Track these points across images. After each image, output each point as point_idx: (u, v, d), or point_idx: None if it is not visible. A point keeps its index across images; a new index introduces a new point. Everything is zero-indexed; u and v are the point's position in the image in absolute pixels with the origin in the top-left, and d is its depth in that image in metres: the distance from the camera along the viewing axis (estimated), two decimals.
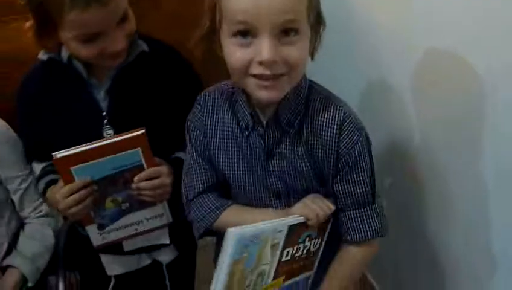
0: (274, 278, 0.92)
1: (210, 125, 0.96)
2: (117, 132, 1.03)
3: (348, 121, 0.88)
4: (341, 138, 0.88)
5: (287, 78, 0.80)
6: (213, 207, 0.96)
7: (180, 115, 1.05)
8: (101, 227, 1.06)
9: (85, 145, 0.94)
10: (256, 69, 0.78)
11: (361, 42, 1.31)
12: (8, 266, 1.16)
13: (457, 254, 1.12)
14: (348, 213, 0.93)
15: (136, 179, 1.00)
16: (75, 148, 0.93)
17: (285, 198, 0.95)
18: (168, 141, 1.11)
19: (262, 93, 0.81)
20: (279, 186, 0.94)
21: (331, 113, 0.88)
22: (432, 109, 1.10)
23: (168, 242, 1.17)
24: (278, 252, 0.89)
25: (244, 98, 0.89)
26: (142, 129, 0.95)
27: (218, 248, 1.03)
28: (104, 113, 1.05)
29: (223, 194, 1.00)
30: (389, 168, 1.27)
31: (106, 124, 1.04)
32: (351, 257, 0.96)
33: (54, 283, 1.23)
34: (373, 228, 0.93)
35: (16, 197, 1.19)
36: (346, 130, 0.88)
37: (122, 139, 0.95)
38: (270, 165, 0.92)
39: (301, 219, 0.89)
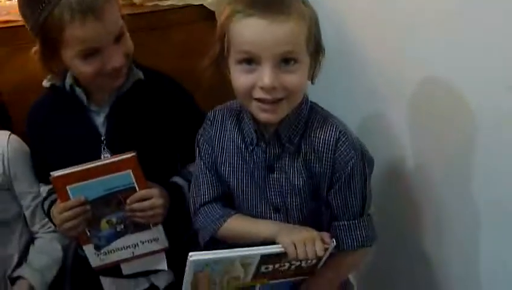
0: (252, 280, 0.96)
1: (218, 140, 1.03)
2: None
3: (343, 139, 0.95)
4: (336, 154, 0.95)
5: (285, 102, 0.88)
6: (218, 216, 1.01)
7: (176, 142, 1.13)
8: (97, 248, 1.10)
9: (81, 166, 1.00)
10: (258, 93, 0.86)
11: (359, 76, 1.37)
12: (18, 277, 1.20)
13: (454, 273, 1.14)
14: (338, 223, 0.99)
15: (128, 200, 1.05)
16: (71, 168, 0.99)
17: (283, 213, 1.00)
18: (164, 166, 1.17)
19: (263, 116, 0.89)
20: (278, 200, 0.99)
21: (328, 131, 0.95)
22: (426, 138, 1.14)
23: (165, 268, 1.19)
24: (253, 268, 0.93)
25: (250, 116, 0.96)
26: (133, 152, 1.00)
27: None
28: (103, 138, 1.11)
29: (228, 205, 1.05)
30: (385, 194, 1.31)
31: (104, 148, 1.11)
32: (339, 262, 1.02)
33: None
34: (360, 239, 0.99)
35: (27, 213, 1.25)
36: (342, 147, 0.94)
37: (114, 161, 1.00)
38: (271, 179, 0.98)
39: (281, 250, 0.91)
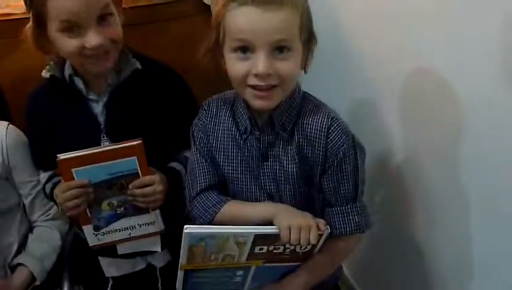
0: (247, 260, 0.98)
1: (212, 128, 1.05)
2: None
3: (335, 125, 0.97)
4: (328, 140, 0.97)
5: (279, 89, 0.91)
6: (214, 202, 1.03)
7: (173, 128, 1.16)
8: (96, 228, 1.13)
9: (87, 150, 1.02)
10: (252, 80, 0.89)
11: (354, 68, 1.38)
12: (18, 265, 1.22)
13: (446, 267, 1.15)
14: (331, 209, 1.02)
15: (130, 186, 1.07)
16: (77, 152, 1.02)
17: (277, 199, 1.03)
18: (161, 152, 1.19)
19: (257, 102, 0.92)
20: (272, 187, 1.02)
21: (320, 118, 0.98)
22: (418, 131, 1.16)
23: (159, 250, 1.23)
24: (247, 248, 0.94)
25: (244, 105, 0.99)
26: (139, 139, 1.02)
27: None
28: (102, 126, 1.14)
29: (223, 192, 1.07)
30: (376, 184, 1.33)
31: (103, 136, 1.13)
32: (332, 248, 1.03)
33: None
34: (353, 224, 1.01)
35: (27, 202, 1.27)
36: (333, 133, 0.97)
37: (120, 147, 1.03)
38: (265, 167, 1.01)
39: (275, 232, 0.92)
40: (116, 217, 1.13)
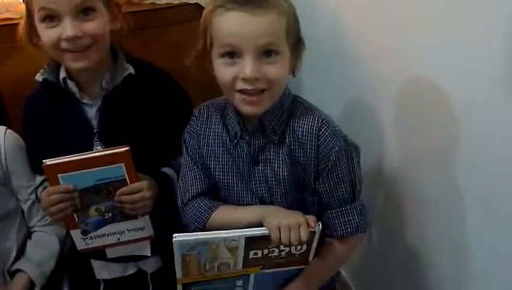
0: (245, 268, 0.97)
1: (203, 134, 1.06)
2: (105, 148, 1.11)
3: (325, 127, 0.98)
4: (319, 142, 0.97)
5: (268, 93, 0.92)
6: (206, 208, 1.04)
7: (167, 134, 1.15)
8: (84, 233, 1.13)
9: (73, 156, 1.02)
10: (240, 85, 0.90)
11: (351, 72, 1.39)
12: (17, 271, 1.21)
13: (442, 268, 1.16)
14: (330, 211, 1.02)
15: (118, 192, 1.07)
16: (63, 158, 1.02)
17: (268, 204, 1.02)
18: (154, 157, 1.19)
19: (246, 108, 0.93)
20: (263, 191, 1.02)
21: (311, 121, 0.98)
22: (414, 134, 1.16)
23: (149, 254, 1.22)
24: (241, 253, 0.94)
25: (233, 110, 0.99)
26: (127, 146, 1.02)
27: None
28: (95, 130, 1.14)
29: (216, 198, 1.07)
30: (373, 186, 1.32)
31: (96, 141, 1.13)
32: (333, 251, 1.04)
33: None
34: (353, 225, 1.01)
35: (25, 207, 1.26)
36: (324, 135, 0.97)
37: (107, 154, 1.02)
38: (256, 171, 1.01)
39: (265, 233, 0.92)
40: (104, 222, 1.12)
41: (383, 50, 1.21)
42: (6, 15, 1.53)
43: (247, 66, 0.88)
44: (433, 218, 1.14)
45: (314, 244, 0.98)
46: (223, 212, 1.03)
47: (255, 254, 0.95)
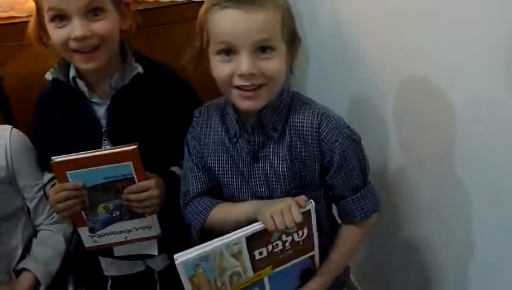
0: (256, 271, 0.95)
1: (204, 135, 1.06)
2: (114, 146, 1.11)
3: (326, 121, 0.98)
4: (321, 137, 0.98)
5: (265, 89, 0.92)
6: (204, 206, 1.05)
7: (176, 133, 1.15)
8: (92, 230, 1.14)
9: (82, 153, 1.02)
10: (237, 81, 0.90)
11: (355, 70, 1.39)
12: (22, 269, 1.22)
13: (447, 266, 1.16)
14: (345, 200, 1.03)
15: (126, 191, 1.07)
16: (72, 155, 1.02)
17: None
18: (163, 156, 1.19)
19: (243, 103, 0.93)
20: (263, 190, 1.02)
21: (310, 116, 0.98)
22: (418, 128, 1.16)
23: (156, 254, 1.23)
24: (246, 256, 0.93)
25: (232, 107, 0.99)
26: (135, 145, 1.02)
27: None
28: (104, 129, 1.14)
29: (218, 197, 1.07)
30: (377, 183, 1.32)
31: (105, 140, 1.14)
32: (352, 236, 1.07)
33: None
34: (369, 207, 1.04)
35: (31, 205, 1.26)
36: (325, 129, 0.97)
37: (116, 152, 1.03)
38: (256, 169, 1.01)
39: (261, 227, 0.92)
40: (112, 220, 1.13)
41: (386, 47, 1.21)
42: (11, 13, 1.54)
43: (243, 62, 0.88)
44: (439, 215, 1.14)
45: (314, 223, 0.97)
46: (220, 210, 1.04)
47: (261, 253, 0.94)
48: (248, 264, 0.94)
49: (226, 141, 1.03)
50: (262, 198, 1.03)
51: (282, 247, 0.96)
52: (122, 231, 1.15)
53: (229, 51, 0.90)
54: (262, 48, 0.89)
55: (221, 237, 0.90)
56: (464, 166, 1.02)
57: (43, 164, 1.22)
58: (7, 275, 1.23)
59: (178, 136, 1.16)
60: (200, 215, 1.05)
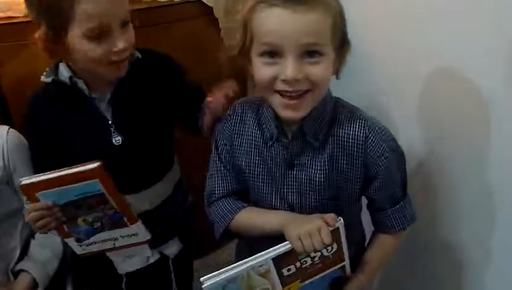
0: (285, 286, 0.92)
1: (237, 134, 1.01)
2: (125, 138, 1.12)
3: (373, 133, 0.93)
4: (368, 150, 0.93)
5: (310, 95, 0.86)
6: (230, 209, 1.01)
7: (182, 107, 1.17)
8: (78, 240, 1.13)
9: (49, 173, 1.00)
10: (280, 86, 0.85)
11: (361, 71, 1.38)
12: (20, 271, 1.21)
13: (457, 265, 1.16)
14: (385, 212, 1.01)
15: None
16: (39, 176, 1.00)
17: (298, 211, 0.99)
18: (171, 136, 1.22)
19: (285, 112, 0.88)
20: (294, 198, 0.98)
21: (357, 127, 0.93)
22: (426, 129, 1.16)
23: (149, 254, 1.23)
24: (274, 274, 0.89)
25: (271, 111, 0.94)
26: (99, 161, 0.99)
27: (238, 249, 1.15)
28: (110, 122, 1.13)
29: (245, 200, 1.04)
30: None
31: (114, 132, 1.13)
32: (386, 247, 1.05)
33: None
34: (408, 218, 1.02)
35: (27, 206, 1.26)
36: (373, 142, 0.93)
37: (80, 171, 0.99)
38: (290, 176, 0.97)
39: (288, 247, 0.88)
40: (94, 231, 1.12)
41: (394, 47, 1.20)
42: (9, 13, 1.52)
43: (288, 67, 0.82)
44: (452, 215, 1.14)
45: (343, 239, 0.92)
46: (247, 216, 1.00)
47: (289, 270, 0.90)
48: (277, 281, 0.91)
49: (261, 144, 0.98)
50: (292, 206, 0.99)
51: (311, 262, 0.92)
52: (109, 239, 1.14)
53: (273, 53, 0.84)
54: (310, 52, 0.83)
55: (248, 259, 0.86)
56: (470, 165, 1.02)
57: (38, 166, 1.20)
58: (5, 276, 1.22)
59: (186, 105, 1.17)
60: (224, 218, 1.01)
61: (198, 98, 1.14)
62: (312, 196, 0.97)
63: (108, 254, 1.21)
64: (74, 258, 1.30)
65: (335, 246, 0.92)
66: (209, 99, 1.10)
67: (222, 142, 1.04)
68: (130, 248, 1.18)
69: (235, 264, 0.86)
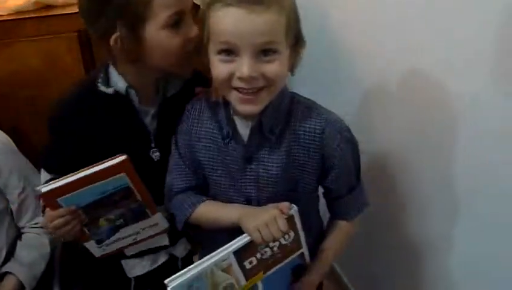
0: (248, 279, 0.94)
1: (195, 129, 1.02)
2: (163, 154, 1.10)
3: (329, 125, 0.95)
4: (324, 142, 0.95)
5: (266, 91, 0.88)
6: (190, 202, 1.02)
7: None
8: (99, 242, 1.10)
9: (69, 177, 0.95)
10: (237, 83, 0.87)
11: (346, 68, 1.39)
12: (6, 273, 1.20)
13: (438, 264, 1.17)
14: (342, 200, 1.04)
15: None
16: (59, 181, 0.95)
17: (255, 204, 1.00)
18: None
19: (242, 107, 0.90)
20: (252, 191, 1.00)
21: (313, 121, 0.95)
22: (410, 129, 1.17)
23: (167, 243, 1.22)
24: (237, 268, 0.91)
25: (228, 109, 0.96)
26: (125, 155, 0.96)
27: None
28: (152, 136, 1.11)
29: (204, 194, 1.05)
30: (369, 183, 1.32)
31: (153, 145, 1.11)
32: (343, 233, 1.08)
33: None
34: (362, 203, 1.07)
35: (14, 208, 1.25)
36: (329, 134, 0.95)
37: (106, 167, 0.95)
38: (248, 170, 0.98)
39: (248, 239, 0.90)
40: (116, 229, 1.09)
41: (379, 46, 1.20)
42: None
43: (244, 65, 0.84)
44: (431, 214, 1.15)
45: (299, 226, 0.95)
46: (206, 210, 1.02)
47: (251, 262, 0.92)
48: (240, 275, 0.92)
49: (219, 138, 1.00)
50: (249, 199, 1.01)
51: (271, 253, 0.95)
52: (131, 234, 1.12)
53: (229, 51, 0.85)
54: (265, 51, 0.85)
55: (209, 256, 0.88)
56: (457, 165, 1.03)
57: (50, 164, 1.15)
58: None
59: None
60: (184, 212, 1.03)
61: None
62: (270, 189, 0.99)
63: (125, 250, 1.18)
64: (62, 260, 1.29)
65: (292, 233, 0.95)
66: None
67: (181, 137, 1.05)
68: (149, 240, 1.16)
69: (198, 262, 0.88)
